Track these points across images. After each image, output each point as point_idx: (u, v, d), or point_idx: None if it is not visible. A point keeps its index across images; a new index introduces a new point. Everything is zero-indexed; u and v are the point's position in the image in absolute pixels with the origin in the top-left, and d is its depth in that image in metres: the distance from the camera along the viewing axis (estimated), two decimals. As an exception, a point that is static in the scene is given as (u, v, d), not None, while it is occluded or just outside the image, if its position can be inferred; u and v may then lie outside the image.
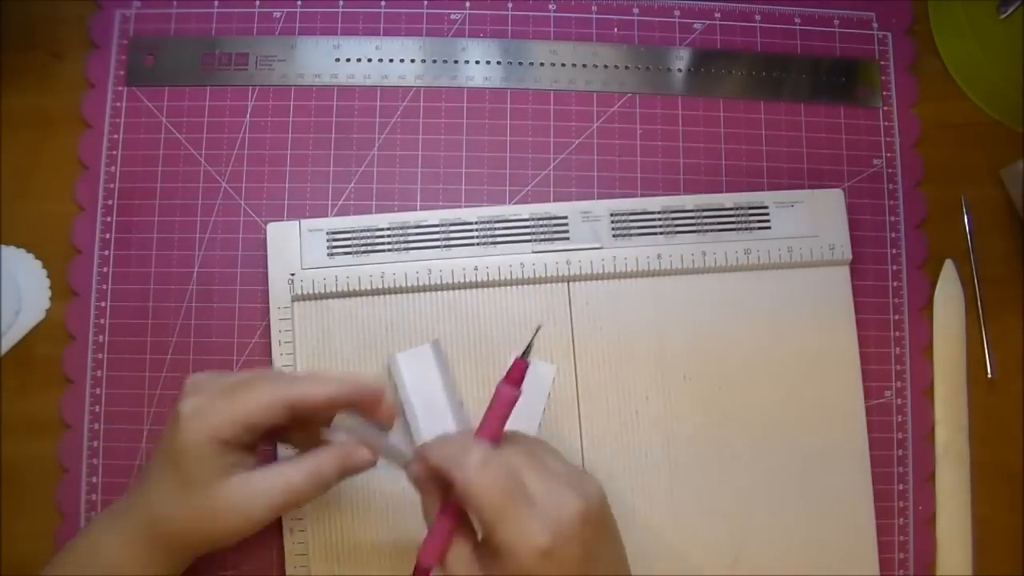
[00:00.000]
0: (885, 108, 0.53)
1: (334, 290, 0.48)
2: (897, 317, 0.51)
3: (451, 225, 0.49)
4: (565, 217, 0.50)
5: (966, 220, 0.53)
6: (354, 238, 0.49)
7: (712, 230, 0.50)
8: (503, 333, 0.49)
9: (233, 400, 0.39)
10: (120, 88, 0.52)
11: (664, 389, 0.49)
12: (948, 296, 0.52)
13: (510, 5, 0.53)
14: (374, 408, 0.41)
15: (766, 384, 0.49)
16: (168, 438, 0.39)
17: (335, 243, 0.49)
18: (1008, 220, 0.53)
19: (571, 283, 0.50)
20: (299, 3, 0.53)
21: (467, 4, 0.53)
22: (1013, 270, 0.53)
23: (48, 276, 0.50)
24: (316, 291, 0.48)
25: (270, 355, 0.48)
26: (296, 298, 0.48)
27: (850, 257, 0.50)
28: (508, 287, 0.49)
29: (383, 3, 0.53)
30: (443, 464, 0.37)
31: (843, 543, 0.49)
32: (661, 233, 0.50)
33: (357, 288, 0.48)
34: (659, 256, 0.49)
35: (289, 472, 0.39)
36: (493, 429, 0.38)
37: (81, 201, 0.51)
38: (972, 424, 0.51)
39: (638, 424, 0.49)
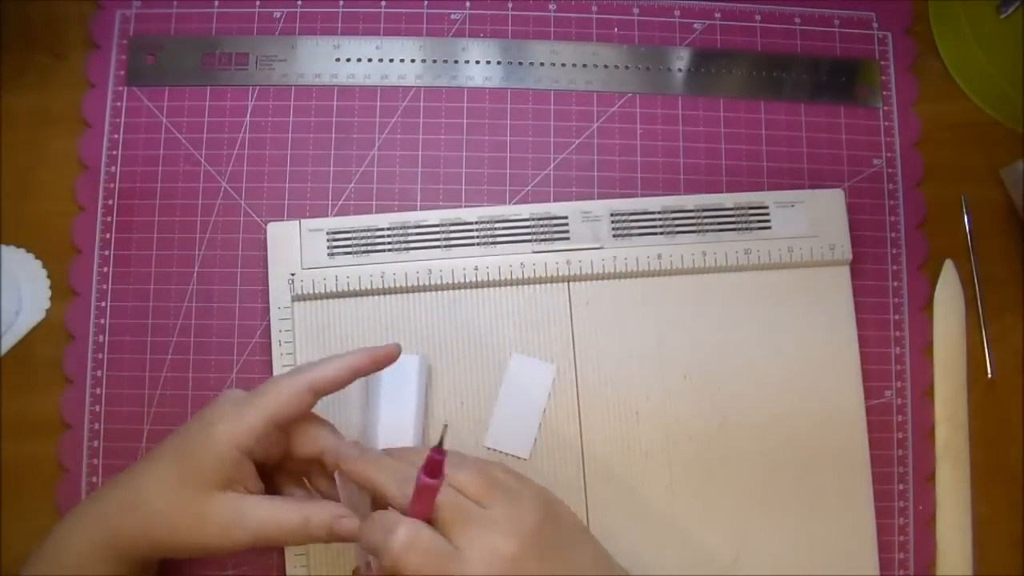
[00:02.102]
0: (885, 108, 0.53)
1: (334, 290, 0.48)
2: (897, 317, 0.51)
3: (451, 225, 0.49)
4: (565, 217, 0.50)
5: (966, 220, 0.53)
6: (354, 238, 0.49)
7: (712, 230, 0.50)
8: (503, 333, 0.49)
9: (258, 401, 0.40)
10: (120, 88, 0.52)
11: (664, 389, 0.49)
12: (948, 296, 0.52)
13: (510, 5, 0.53)
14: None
15: (766, 384, 0.49)
16: (184, 438, 0.40)
17: (335, 243, 0.49)
18: (1008, 220, 0.53)
19: (571, 283, 0.50)
20: (299, 3, 0.53)
21: (467, 4, 0.53)
22: (1013, 270, 0.53)
23: (48, 276, 0.50)
24: (316, 291, 0.48)
25: (270, 355, 0.48)
26: (296, 298, 0.48)
27: (850, 257, 0.50)
28: (508, 287, 0.49)
29: (383, 3, 0.53)
30: (372, 545, 0.37)
31: (843, 543, 0.49)
32: (661, 233, 0.50)
33: (357, 288, 0.48)
34: (659, 256, 0.49)
35: (282, 508, 0.40)
36: (419, 513, 0.37)
37: (81, 201, 0.50)
38: (972, 424, 0.51)
39: (638, 424, 0.49)
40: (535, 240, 0.49)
